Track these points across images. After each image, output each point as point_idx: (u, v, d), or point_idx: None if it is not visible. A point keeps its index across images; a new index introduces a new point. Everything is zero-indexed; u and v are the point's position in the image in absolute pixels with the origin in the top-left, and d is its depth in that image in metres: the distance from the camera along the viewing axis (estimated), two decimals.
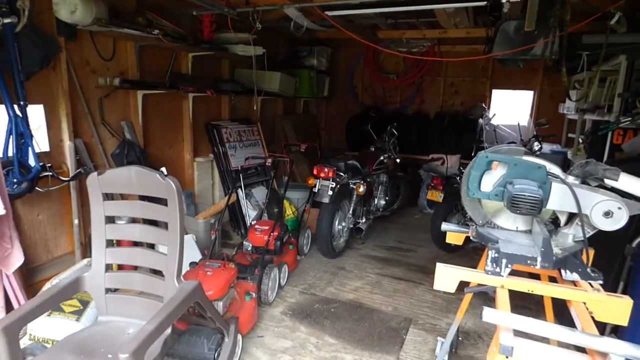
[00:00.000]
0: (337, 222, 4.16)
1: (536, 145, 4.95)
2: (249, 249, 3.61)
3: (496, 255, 1.42)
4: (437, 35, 5.26)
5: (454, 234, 2.04)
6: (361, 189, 4.05)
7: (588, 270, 1.44)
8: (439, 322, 3.18)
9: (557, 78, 5.27)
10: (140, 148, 3.78)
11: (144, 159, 3.74)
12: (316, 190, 3.90)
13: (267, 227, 3.72)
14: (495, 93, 6.38)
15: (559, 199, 1.45)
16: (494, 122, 5.67)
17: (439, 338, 2.81)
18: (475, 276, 1.45)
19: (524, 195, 1.36)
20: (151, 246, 2.63)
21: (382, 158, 4.79)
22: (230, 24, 4.04)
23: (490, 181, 1.57)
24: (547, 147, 5.42)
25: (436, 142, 6.20)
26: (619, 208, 1.38)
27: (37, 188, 2.90)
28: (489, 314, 1.16)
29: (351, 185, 4.13)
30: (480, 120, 5.92)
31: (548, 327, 1.14)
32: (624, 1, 2.47)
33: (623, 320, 1.29)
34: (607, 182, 1.47)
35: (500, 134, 5.61)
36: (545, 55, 3.06)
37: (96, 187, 2.10)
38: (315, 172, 3.87)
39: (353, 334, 2.97)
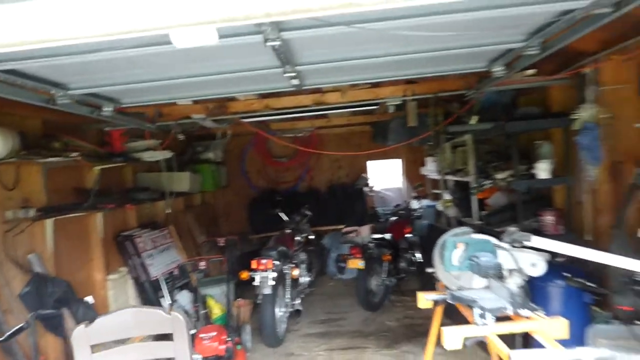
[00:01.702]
0: (278, 310, 4.31)
1: (416, 204, 6.05)
2: None
3: (481, 311, 1.95)
4: (324, 124, 6.14)
5: (422, 300, 2.51)
6: (296, 272, 4.35)
7: (532, 305, 2.08)
8: None
9: (417, 149, 6.66)
10: (56, 279, 3.41)
11: (69, 291, 3.38)
12: (257, 283, 4.03)
13: (214, 333, 3.65)
14: (372, 163, 7.57)
15: (504, 261, 2.09)
16: (376, 188, 6.71)
17: None
18: (475, 330, 1.94)
19: (491, 264, 1.96)
20: None
21: (298, 238, 5.20)
22: (146, 134, 4.12)
23: (454, 257, 2.14)
24: (418, 204, 6.62)
25: (331, 213, 6.92)
26: (539, 259, 2.08)
27: None
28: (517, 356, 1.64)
29: (285, 271, 4.39)
30: (365, 189, 6.91)
31: (543, 353, 1.67)
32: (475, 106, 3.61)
33: (566, 335, 1.93)
34: (526, 243, 2.17)
35: (384, 197, 6.65)
36: (423, 144, 4.03)
37: (83, 341, 1.98)
38: (255, 265, 4.03)
39: None
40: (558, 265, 2.96)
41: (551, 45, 2.36)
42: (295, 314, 4.62)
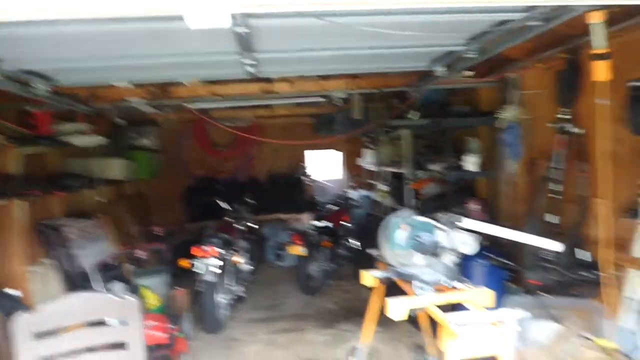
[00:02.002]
0: (220, 297, 4.31)
1: (353, 194, 6.33)
2: None
3: (422, 284, 2.18)
4: (266, 114, 6.15)
5: (367, 277, 2.69)
6: (238, 259, 4.37)
7: (463, 279, 2.36)
8: (337, 353, 3.78)
9: (355, 142, 6.94)
10: None
11: None
12: (199, 271, 4.00)
13: (156, 322, 3.59)
14: (311, 153, 7.72)
15: (441, 240, 2.35)
16: (315, 178, 6.90)
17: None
18: (417, 301, 2.16)
19: (431, 242, 2.19)
20: None
21: (240, 226, 5.21)
22: (78, 117, 3.85)
23: (400, 237, 2.36)
24: (356, 193, 6.94)
25: (271, 202, 6.97)
26: (470, 239, 2.37)
27: None
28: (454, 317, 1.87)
29: (228, 258, 4.39)
30: (304, 179, 7.07)
31: (473, 314, 1.93)
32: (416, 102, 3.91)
33: (491, 303, 2.22)
34: (458, 224, 2.45)
35: (323, 187, 6.86)
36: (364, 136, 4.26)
37: (26, 330, 1.88)
38: (197, 253, 3.99)
39: None
40: (481, 247, 3.35)
41: (488, 51, 2.65)
42: (238, 301, 4.65)
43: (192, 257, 4.06)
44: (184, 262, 4.03)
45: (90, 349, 1.95)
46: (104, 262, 4.52)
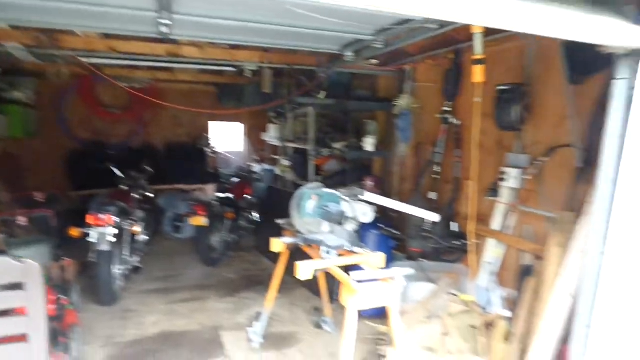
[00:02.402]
0: (115, 267, 4.11)
1: (257, 167, 6.42)
2: None
3: (327, 249, 2.44)
4: (167, 77, 5.81)
5: (277, 244, 2.88)
6: (137, 229, 4.19)
7: (362, 244, 2.70)
8: (238, 319, 3.94)
9: (260, 116, 6.96)
10: None
11: None
12: (94, 240, 3.76)
13: None
14: (215, 125, 7.52)
15: (345, 210, 2.64)
16: (218, 150, 6.79)
17: (248, 329, 3.59)
18: (323, 263, 2.41)
19: (337, 212, 2.45)
20: None
21: (136, 195, 4.94)
22: None
23: (310, 207, 2.58)
24: (259, 167, 7.04)
25: (169, 172, 6.67)
26: (369, 210, 2.70)
27: None
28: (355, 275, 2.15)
29: (125, 227, 4.18)
30: (207, 149, 6.90)
31: (369, 273, 2.25)
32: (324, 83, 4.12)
33: (383, 265, 2.59)
34: (360, 197, 2.77)
35: (226, 159, 6.79)
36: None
37: None
38: (92, 220, 3.73)
39: (181, 356, 3.30)
40: (374, 219, 3.79)
41: (392, 44, 2.97)
42: (133, 272, 4.47)
43: (85, 225, 3.78)
44: (74, 231, 3.74)
45: None
46: None
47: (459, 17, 1.49)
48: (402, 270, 2.24)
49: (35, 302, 1.86)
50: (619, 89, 1.74)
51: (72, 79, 6.12)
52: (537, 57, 2.96)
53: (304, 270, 2.37)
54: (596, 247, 1.74)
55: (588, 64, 2.42)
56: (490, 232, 3.33)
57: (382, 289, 2.21)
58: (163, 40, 3.77)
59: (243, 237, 6.03)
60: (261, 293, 4.39)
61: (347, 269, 2.43)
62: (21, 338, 1.93)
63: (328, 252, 2.46)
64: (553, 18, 1.53)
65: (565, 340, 2.28)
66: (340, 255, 2.57)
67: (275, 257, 3.28)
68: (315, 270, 2.40)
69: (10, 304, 1.84)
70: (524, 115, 2.88)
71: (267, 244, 5.28)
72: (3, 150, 5.75)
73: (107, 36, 3.81)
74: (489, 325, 2.89)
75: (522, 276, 2.94)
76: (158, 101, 5.11)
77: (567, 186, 2.71)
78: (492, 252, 3.33)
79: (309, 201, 2.56)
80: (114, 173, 5.19)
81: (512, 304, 3.02)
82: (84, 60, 4.02)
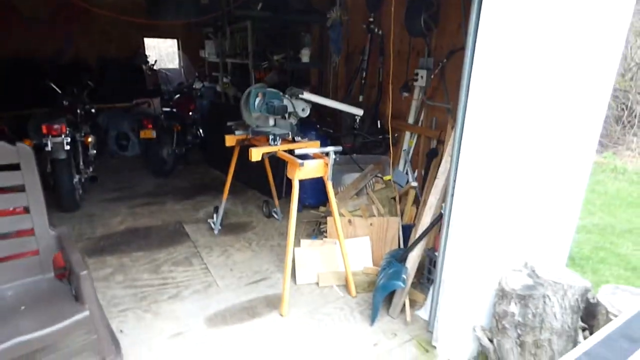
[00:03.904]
0: (74, 176, 4.38)
1: (198, 84, 6.58)
2: None
3: (274, 137, 2.99)
4: None
5: (230, 138, 3.36)
6: (90, 139, 4.42)
7: (301, 134, 3.27)
8: (197, 215, 4.50)
9: (195, 31, 6.92)
10: None
11: None
12: (49, 149, 3.97)
13: None
14: (149, 41, 7.34)
15: (287, 106, 3.16)
16: (156, 67, 6.77)
17: (209, 220, 4.18)
18: (270, 149, 2.96)
19: (280, 106, 2.97)
20: None
21: (80, 111, 5.03)
22: None
23: (258, 104, 3.06)
24: (200, 84, 7.17)
25: (108, 89, 6.60)
26: (307, 106, 3.25)
27: None
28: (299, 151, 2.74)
29: (78, 138, 4.39)
30: (144, 67, 6.84)
31: (308, 150, 2.86)
32: None
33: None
34: (301, 96, 3.28)
35: (166, 76, 6.83)
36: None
37: None
38: (45, 130, 3.91)
39: (151, 244, 3.83)
40: (313, 121, 4.37)
41: None
42: (90, 181, 4.76)
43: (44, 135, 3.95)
44: (27, 142, 3.90)
45: None
46: None
47: None
48: (333, 148, 2.87)
49: (32, 179, 2.24)
50: None
51: None
52: None
53: (255, 154, 2.92)
54: (458, 132, 2.30)
55: None
56: (406, 126, 4.06)
57: (318, 163, 2.84)
58: None
59: (190, 151, 6.39)
60: (215, 196, 4.94)
61: (290, 153, 3.01)
62: (23, 211, 2.34)
63: (274, 140, 3.01)
64: None
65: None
66: (284, 142, 3.14)
67: (222, 167, 3.77)
68: (264, 154, 2.97)
69: (11, 182, 2.20)
70: (430, 24, 3.45)
71: (214, 156, 5.82)
72: None
73: None
74: (404, 196, 3.72)
75: (429, 157, 3.74)
76: (85, 4, 4.91)
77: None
78: (408, 142, 4.10)
79: (256, 99, 3.03)
80: (51, 90, 5.15)
81: (422, 180, 3.86)
82: None
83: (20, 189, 2.25)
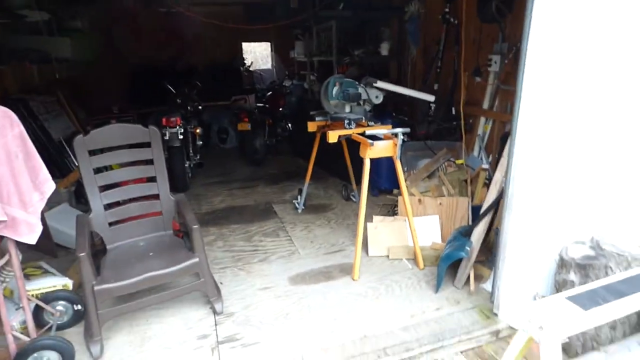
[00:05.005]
0: (185, 161, 5.22)
1: (288, 82, 7.23)
2: None
3: (349, 121, 3.35)
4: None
5: (311, 125, 3.80)
6: (199, 130, 5.23)
7: (375, 119, 3.58)
8: (284, 197, 5.05)
9: (286, 33, 7.57)
10: None
11: None
12: (167, 138, 4.81)
13: None
14: (246, 45, 8.22)
15: (362, 93, 3.49)
16: (252, 68, 7.57)
17: (294, 201, 4.69)
18: (345, 132, 3.33)
19: (356, 94, 3.31)
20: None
21: (190, 107, 5.93)
22: None
23: (335, 92, 3.45)
24: (290, 82, 7.82)
25: (213, 90, 7.54)
26: (380, 94, 3.55)
27: None
28: (369, 132, 3.07)
29: (190, 129, 5.22)
30: (242, 68, 7.70)
31: (378, 131, 3.16)
32: None
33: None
34: (374, 85, 3.59)
35: (260, 76, 7.60)
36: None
37: (82, 147, 2.71)
38: (164, 122, 4.76)
39: (245, 218, 4.45)
40: (389, 110, 4.64)
41: None
42: (197, 167, 5.60)
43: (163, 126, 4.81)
44: None
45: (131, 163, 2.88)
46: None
47: None
48: (402, 130, 3.12)
49: (159, 154, 2.88)
50: None
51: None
52: None
53: (332, 136, 3.31)
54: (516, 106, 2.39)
55: None
56: (481, 111, 4.12)
57: (388, 144, 3.12)
58: None
59: (279, 143, 7.04)
60: (300, 182, 5.44)
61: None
62: (152, 179, 3.01)
63: (350, 124, 3.36)
64: None
65: None
66: (359, 126, 3.48)
67: (307, 158, 4.21)
68: (340, 136, 3.34)
69: (145, 156, 2.88)
70: (503, 10, 3.50)
71: (301, 148, 6.30)
72: (67, 76, 6.73)
73: None
74: (475, 178, 3.81)
75: (502, 141, 3.77)
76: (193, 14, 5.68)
77: None
78: (482, 127, 4.15)
79: (334, 88, 3.42)
80: (168, 90, 6.13)
81: (495, 164, 3.89)
82: None
83: (150, 162, 2.91)
